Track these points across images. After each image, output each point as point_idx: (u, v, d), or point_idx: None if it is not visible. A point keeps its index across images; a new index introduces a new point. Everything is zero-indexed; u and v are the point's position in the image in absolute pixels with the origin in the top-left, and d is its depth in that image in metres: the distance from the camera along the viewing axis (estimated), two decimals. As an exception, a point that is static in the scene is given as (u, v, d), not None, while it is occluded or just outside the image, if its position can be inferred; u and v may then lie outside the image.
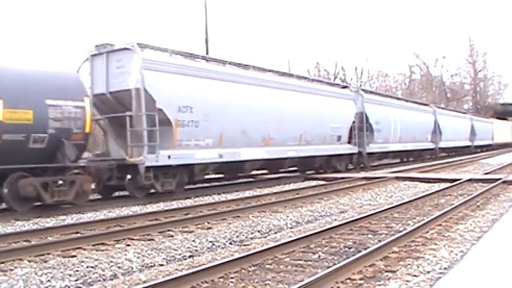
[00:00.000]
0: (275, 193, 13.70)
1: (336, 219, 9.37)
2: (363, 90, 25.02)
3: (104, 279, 5.67)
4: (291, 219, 9.40)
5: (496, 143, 50.61)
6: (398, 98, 33.27)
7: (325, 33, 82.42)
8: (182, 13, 77.89)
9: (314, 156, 19.08)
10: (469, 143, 40.37)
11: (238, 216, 9.62)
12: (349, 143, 21.48)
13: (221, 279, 5.21)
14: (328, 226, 7.98)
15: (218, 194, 13.99)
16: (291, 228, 8.79)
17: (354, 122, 21.68)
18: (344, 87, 24.21)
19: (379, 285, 4.90)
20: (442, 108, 40.23)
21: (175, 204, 11.86)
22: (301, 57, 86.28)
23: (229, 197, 13.24)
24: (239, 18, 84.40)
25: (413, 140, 28.82)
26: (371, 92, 27.77)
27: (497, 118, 57.41)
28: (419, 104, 35.11)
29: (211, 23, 62.61)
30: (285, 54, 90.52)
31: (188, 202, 12.38)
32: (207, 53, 25.44)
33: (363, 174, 19.26)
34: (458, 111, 46.34)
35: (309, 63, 54.93)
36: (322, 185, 15.98)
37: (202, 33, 40.82)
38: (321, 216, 10.03)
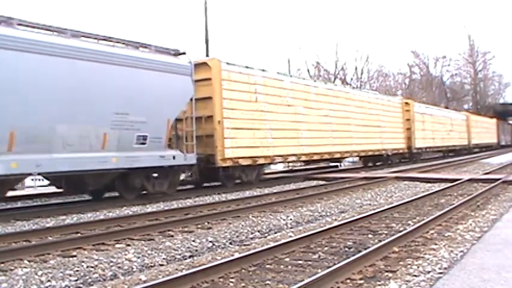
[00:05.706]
0: (275, 193, 13.70)
1: (336, 219, 9.37)
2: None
3: (104, 279, 5.66)
4: (291, 219, 9.39)
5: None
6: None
7: (325, 32, 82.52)
8: (182, 13, 77.86)
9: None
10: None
11: (238, 216, 9.62)
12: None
13: (221, 279, 5.20)
14: (328, 226, 7.97)
15: (218, 194, 13.99)
16: (291, 228, 8.79)
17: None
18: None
19: (379, 285, 4.89)
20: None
21: (175, 204, 11.86)
22: (301, 56, 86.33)
23: (229, 197, 13.24)
24: (239, 18, 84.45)
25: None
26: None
27: (497, 118, 57.29)
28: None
29: (211, 23, 62.63)
30: (285, 53, 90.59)
31: (188, 202, 12.38)
32: (207, 53, 24.30)
33: (363, 174, 19.26)
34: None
35: (309, 63, 54.66)
36: (322, 185, 15.99)
37: (202, 33, 40.81)
38: (321, 216, 10.03)
